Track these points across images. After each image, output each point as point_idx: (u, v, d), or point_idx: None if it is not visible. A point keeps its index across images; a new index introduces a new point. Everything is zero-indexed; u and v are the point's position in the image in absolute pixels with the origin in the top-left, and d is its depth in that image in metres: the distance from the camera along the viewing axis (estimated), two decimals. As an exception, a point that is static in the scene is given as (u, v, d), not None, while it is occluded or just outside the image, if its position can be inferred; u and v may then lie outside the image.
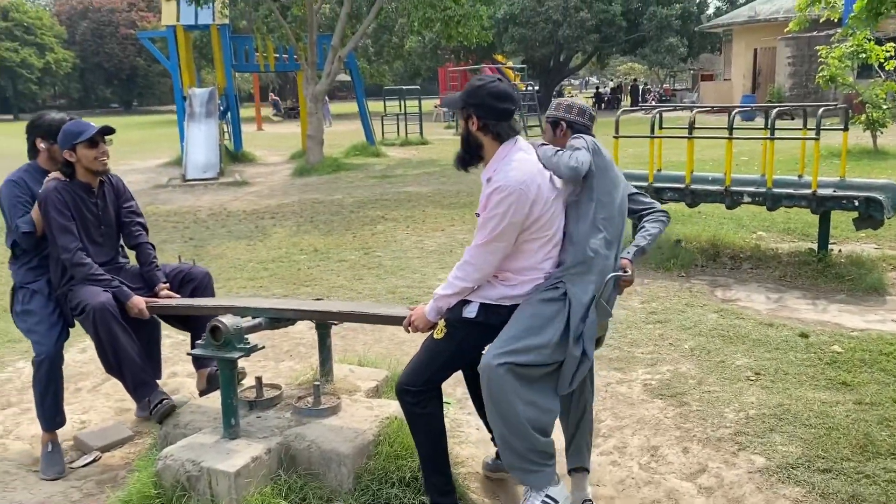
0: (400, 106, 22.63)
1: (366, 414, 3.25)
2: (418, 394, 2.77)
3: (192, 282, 3.78)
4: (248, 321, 3.17)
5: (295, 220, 9.96)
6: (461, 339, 2.75)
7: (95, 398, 4.38)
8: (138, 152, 21.15)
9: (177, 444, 3.03)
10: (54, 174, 3.49)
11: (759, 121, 13.54)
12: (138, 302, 3.50)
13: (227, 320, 3.03)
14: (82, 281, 3.47)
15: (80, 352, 5.06)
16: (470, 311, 2.75)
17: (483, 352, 2.74)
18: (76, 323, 3.58)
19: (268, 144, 23.26)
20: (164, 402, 3.38)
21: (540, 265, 2.74)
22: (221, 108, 17.41)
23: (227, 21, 17.89)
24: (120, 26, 58.31)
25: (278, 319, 3.29)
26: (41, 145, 3.58)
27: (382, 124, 22.32)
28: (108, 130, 3.52)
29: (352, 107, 43.31)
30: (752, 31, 27.74)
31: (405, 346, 4.94)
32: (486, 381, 2.66)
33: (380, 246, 8.03)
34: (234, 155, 18.05)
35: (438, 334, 2.79)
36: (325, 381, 3.59)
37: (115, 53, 59.17)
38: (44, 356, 3.45)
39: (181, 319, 3.86)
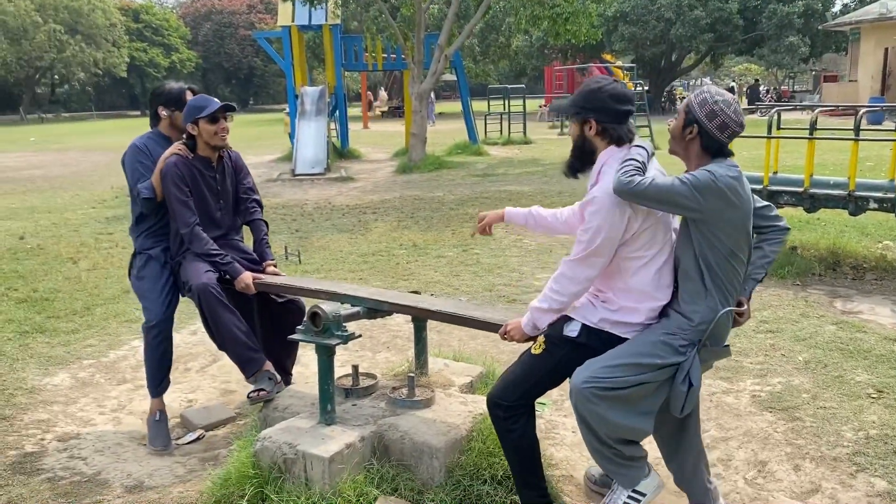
0: (504, 105, 22.57)
1: (459, 409, 3.22)
2: (510, 409, 2.70)
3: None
4: (346, 309, 3.21)
5: (396, 216, 10.09)
6: (560, 357, 2.65)
7: (203, 378, 4.56)
8: (253, 148, 22.07)
9: (275, 427, 3.10)
10: (177, 145, 3.63)
11: (889, 124, 12.65)
12: (246, 277, 3.59)
13: (327, 307, 3.07)
14: (197, 255, 3.59)
15: (190, 334, 5.30)
16: (571, 330, 2.66)
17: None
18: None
19: (373, 142, 23.73)
20: (261, 393, 3.45)
21: (642, 290, 2.58)
22: (330, 106, 17.89)
23: (339, 21, 18.36)
24: (239, 28, 61.04)
25: (376, 310, 3.32)
26: (163, 113, 3.74)
27: (486, 123, 22.33)
28: (230, 108, 3.63)
29: (455, 106, 43.48)
30: (884, 29, 25.96)
31: (501, 345, 4.88)
32: (574, 401, 2.60)
33: (478, 243, 8.00)
34: (340, 152, 18.50)
35: (537, 350, 2.71)
36: (420, 373, 3.59)
37: (235, 54, 62.02)
38: (153, 322, 3.62)
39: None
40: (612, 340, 2.63)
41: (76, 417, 4.02)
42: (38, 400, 4.21)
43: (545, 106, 34.53)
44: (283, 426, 3.11)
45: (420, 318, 3.53)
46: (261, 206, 3.95)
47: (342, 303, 3.30)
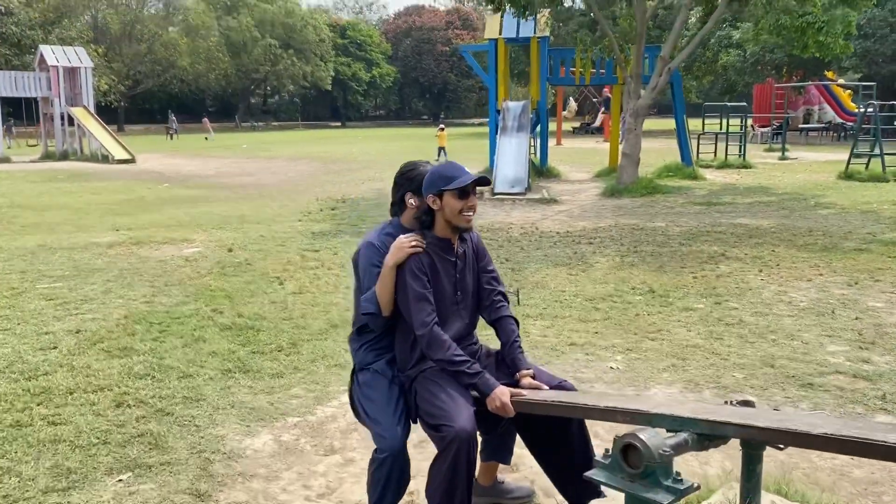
0: (720, 124, 20.61)
1: None
2: None
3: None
4: (671, 438, 2.15)
5: (616, 249, 8.90)
6: None
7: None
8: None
9: None
10: (411, 241, 2.78)
11: None
12: (502, 394, 2.66)
13: (649, 438, 2.02)
14: (438, 373, 2.76)
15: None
16: None
17: None
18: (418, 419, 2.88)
19: (569, 160, 22.63)
20: None
21: None
22: (532, 121, 17.03)
23: (547, 34, 17.49)
24: (437, 43, 62.57)
25: (710, 436, 2.22)
26: (411, 201, 2.90)
27: (698, 144, 20.45)
28: (484, 182, 2.80)
29: (654, 123, 41.55)
30: None
31: (839, 461, 3.58)
32: None
33: (731, 294, 6.63)
34: (539, 170, 17.60)
35: None
36: (753, 526, 2.44)
37: (430, 69, 63.68)
38: (387, 453, 2.73)
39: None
40: None
41: (278, 502, 3.27)
42: (236, 471, 3.52)
43: (758, 126, 31.68)
44: None
45: (757, 443, 2.39)
46: (507, 299, 3.04)
47: (652, 424, 2.24)
